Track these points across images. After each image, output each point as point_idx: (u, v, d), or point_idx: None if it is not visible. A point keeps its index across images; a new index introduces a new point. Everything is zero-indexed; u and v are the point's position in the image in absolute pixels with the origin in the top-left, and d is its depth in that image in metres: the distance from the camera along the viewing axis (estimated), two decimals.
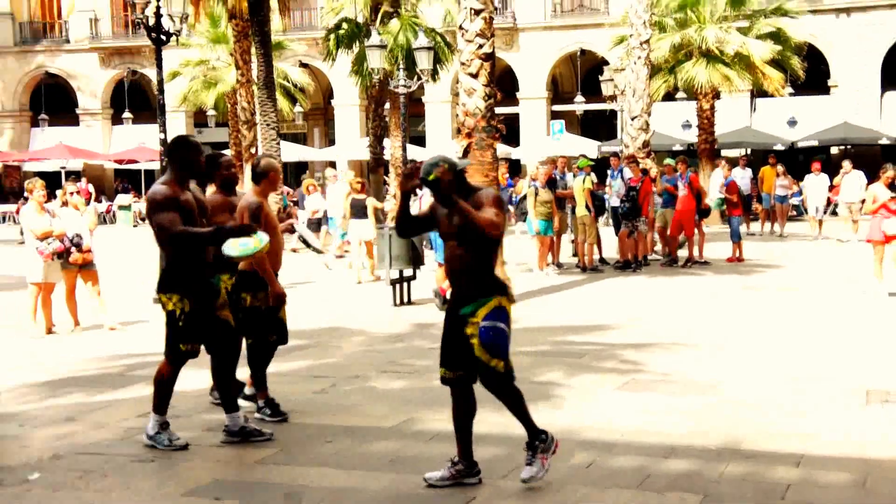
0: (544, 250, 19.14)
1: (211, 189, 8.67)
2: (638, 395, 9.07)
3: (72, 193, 14.08)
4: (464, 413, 6.58)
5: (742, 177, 27.66)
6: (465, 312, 6.40)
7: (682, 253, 20.84)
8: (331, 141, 48.22)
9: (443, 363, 6.52)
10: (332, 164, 40.46)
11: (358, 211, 18.57)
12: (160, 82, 16.97)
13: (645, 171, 20.73)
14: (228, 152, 36.89)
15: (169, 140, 7.52)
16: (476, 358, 6.36)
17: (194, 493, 6.57)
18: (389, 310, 14.93)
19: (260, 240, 7.25)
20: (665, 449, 7.32)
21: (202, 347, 7.60)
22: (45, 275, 13.23)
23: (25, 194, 14.11)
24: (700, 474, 6.77)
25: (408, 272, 15.52)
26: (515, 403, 6.56)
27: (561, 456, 7.19)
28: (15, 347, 12.11)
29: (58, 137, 46.80)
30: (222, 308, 7.64)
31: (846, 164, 26.32)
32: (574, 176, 20.46)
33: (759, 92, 36.43)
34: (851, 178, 25.48)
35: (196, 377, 8.93)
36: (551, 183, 19.33)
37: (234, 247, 7.20)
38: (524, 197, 19.34)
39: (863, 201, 24.51)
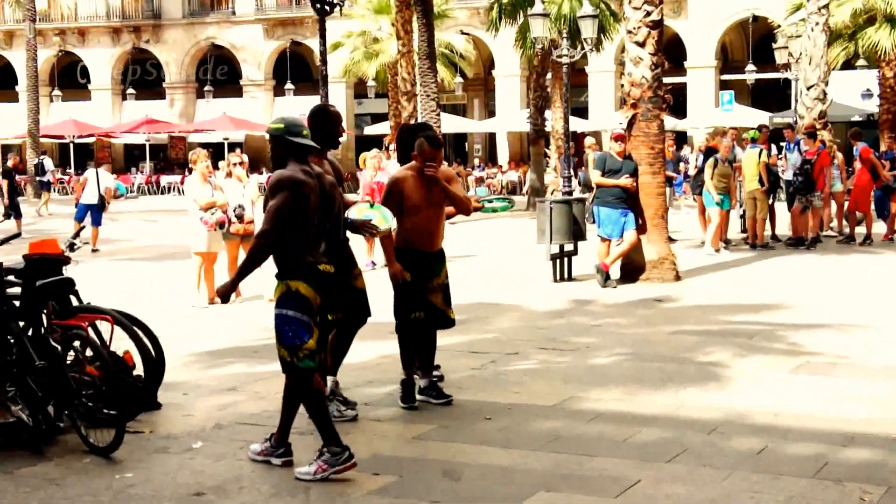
0: (722, 224, 18.63)
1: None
2: (813, 379, 8.79)
3: (235, 164, 14.39)
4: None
5: None
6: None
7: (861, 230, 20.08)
8: (490, 112, 48.22)
9: None
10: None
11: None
12: (323, 53, 17.20)
13: (823, 144, 20.04)
14: (388, 123, 37.35)
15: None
16: None
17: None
18: (549, 285, 14.81)
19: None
20: (843, 436, 7.07)
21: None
22: (209, 245, 13.58)
23: (190, 165, 14.49)
24: (883, 464, 6.51)
25: (568, 247, 15.38)
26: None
27: (730, 440, 7.02)
28: (179, 316, 12.48)
29: (221, 109, 48.13)
30: (356, 277, 7.80)
31: None
32: (743, 149, 19.97)
33: None
34: None
35: (357, 351, 9.00)
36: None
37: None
38: (702, 169, 18.89)
39: None
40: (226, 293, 6.68)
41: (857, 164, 19.99)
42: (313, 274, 6.47)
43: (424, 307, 7.91)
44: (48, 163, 38.14)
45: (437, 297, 7.96)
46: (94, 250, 20.29)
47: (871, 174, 19.68)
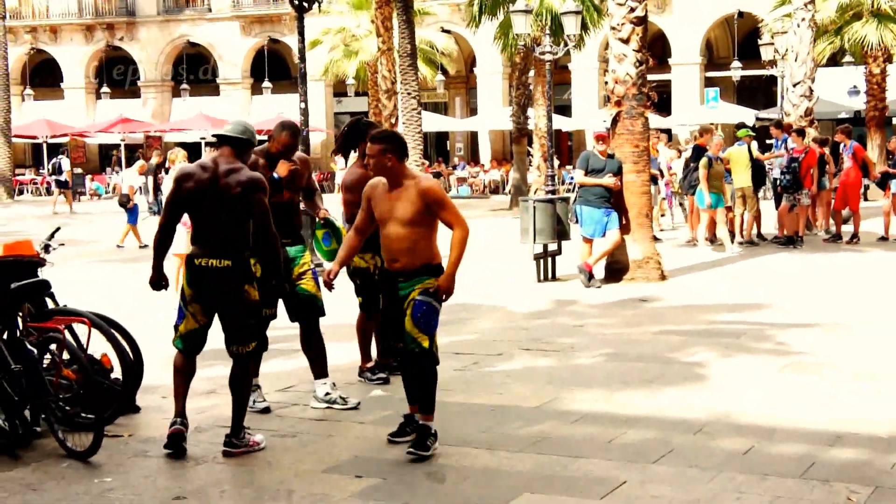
0: (712, 225, 18.73)
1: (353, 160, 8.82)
2: (800, 379, 8.86)
3: None
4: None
5: None
6: None
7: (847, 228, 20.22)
8: (472, 110, 48.29)
9: None
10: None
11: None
12: (301, 51, 17.17)
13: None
14: None
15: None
16: None
17: (335, 469, 6.68)
18: (532, 286, 14.88)
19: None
20: (830, 436, 7.14)
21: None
22: (188, 246, 13.52)
23: (167, 165, 14.50)
24: (870, 464, 6.57)
25: (552, 247, 15.44)
26: None
27: (716, 441, 7.08)
28: (156, 318, 12.47)
29: (198, 107, 48.05)
30: (300, 278, 8.04)
31: None
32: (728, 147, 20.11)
33: None
34: None
35: (336, 353, 9.04)
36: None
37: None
38: (695, 168, 18.89)
39: None
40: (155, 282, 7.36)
41: (846, 162, 20.04)
42: (188, 266, 7.11)
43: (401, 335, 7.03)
44: (65, 162, 37.87)
45: (408, 322, 6.92)
46: (142, 247, 21.15)
47: (861, 172, 19.90)
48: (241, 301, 6.96)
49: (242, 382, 7.06)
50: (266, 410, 8.03)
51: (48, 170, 40.52)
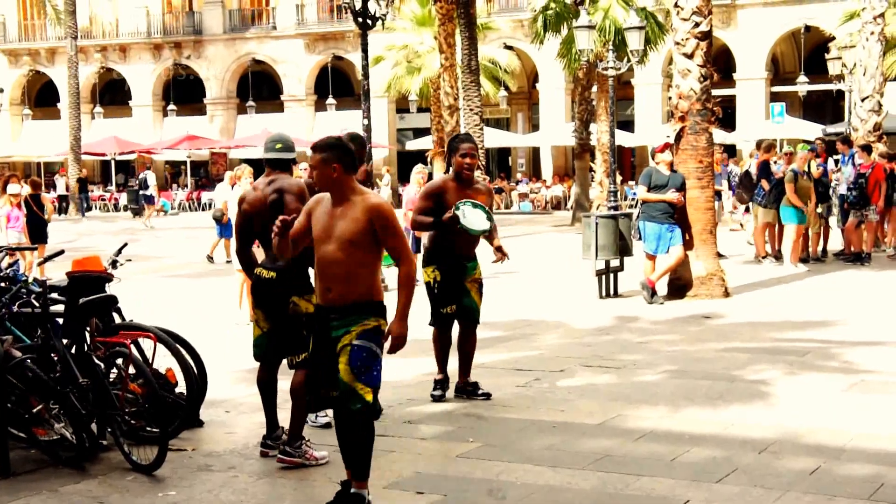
0: (798, 242, 18.29)
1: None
2: (867, 398, 8.72)
3: None
4: None
5: None
6: None
7: None
8: (534, 126, 48.28)
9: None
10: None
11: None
12: (365, 68, 17.28)
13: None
14: (431, 138, 37.49)
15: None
16: None
17: (396, 485, 6.68)
18: (594, 302, 14.81)
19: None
20: None
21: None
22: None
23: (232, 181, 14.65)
24: None
25: (615, 263, 15.36)
26: None
27: (782, 460, 6.99)
28: (221, 334, 12.61)
29: (263, 124, 48.49)
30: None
31: None
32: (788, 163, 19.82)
33: None
34: None
35: (397, 368, 9.07)
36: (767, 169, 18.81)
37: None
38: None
39: None
40: None
41: None
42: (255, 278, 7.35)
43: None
44: (151, 177, 38.53)
45: (345, 372, 5.92)
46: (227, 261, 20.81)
47: None
48: (285, 312, 7.16)
49: (301, 392, 7.08)
50: (328, 426, 8.05)
51: (136, 185, 41.46)
